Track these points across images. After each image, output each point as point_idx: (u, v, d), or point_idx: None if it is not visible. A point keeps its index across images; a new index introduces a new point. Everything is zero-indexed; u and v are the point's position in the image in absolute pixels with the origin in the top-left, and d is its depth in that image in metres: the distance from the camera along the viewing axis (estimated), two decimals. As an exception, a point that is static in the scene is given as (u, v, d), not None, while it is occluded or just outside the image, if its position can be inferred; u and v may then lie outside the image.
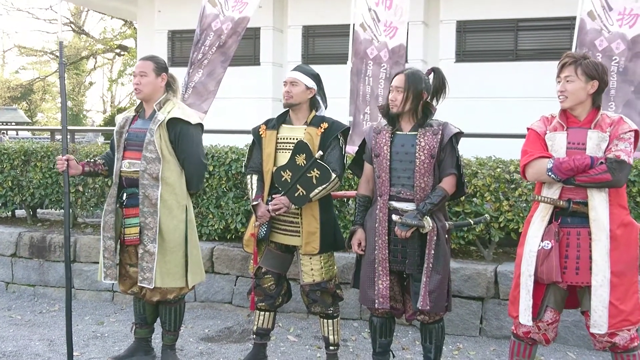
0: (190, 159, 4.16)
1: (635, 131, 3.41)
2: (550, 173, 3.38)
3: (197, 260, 4.33)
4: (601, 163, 3.31)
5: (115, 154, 4.22)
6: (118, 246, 4.24)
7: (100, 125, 28.27)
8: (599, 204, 3.35)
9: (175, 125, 4.10)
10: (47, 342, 4.95)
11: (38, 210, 7.54)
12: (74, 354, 4.43)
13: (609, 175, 3.28)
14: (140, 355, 4.45)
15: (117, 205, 4.18)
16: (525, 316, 3.46)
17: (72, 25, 26.65)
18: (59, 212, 7.49)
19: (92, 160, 4.39)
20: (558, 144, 3.45)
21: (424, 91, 3.78)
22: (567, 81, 3.41)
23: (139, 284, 4.15)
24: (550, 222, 3.46)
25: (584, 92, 3.41)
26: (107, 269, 4.19)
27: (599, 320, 3.33)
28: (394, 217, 3.68)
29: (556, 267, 3.36)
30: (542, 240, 3.44)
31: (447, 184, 3.76)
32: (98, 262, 6.05)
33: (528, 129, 3.64)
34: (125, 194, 4.18)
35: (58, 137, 11.09)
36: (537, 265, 3.42)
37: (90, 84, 35.95)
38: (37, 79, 32.07)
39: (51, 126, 29.75)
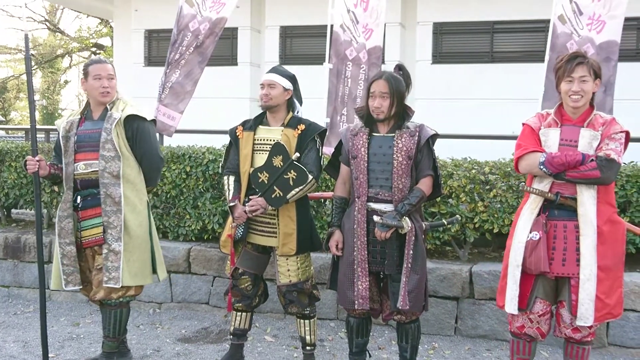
0: (149, 154, 4.19)
1: (627, 132, 3.52)
2: (542, 166, 3.48)
3: (161, 255, 4.37)
4: (592, 160, 3.40)
5: (64, 159, 4.15)
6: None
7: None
8: (587, 200, 3.46)
9: (132, 122, 4.13)
10: (21, 344, 4.91)
11: (12, 210, 7.46)
12: (49, 355, 4.41)
13: (598, 172, 3.39)
14: (116, 357, 4.40)
15: (72, 210, 4.14)
16: (511, 305, 3.56)
17: (47, 23, 26.33)
18: (34, 212, 7.39)
19: (54, 163, 4.31)
20: (551, 139, 3.55)
21: (405, 92, 3.82)
22: (583, 81, 3.48)
23: (104, 285, 4.07)
24: (538, 214, 3.56)
25: (592, 91, 3.54)
26: (68, 275, 4.14)
27: (585, 313, 3.44)
28: (375, 217, 3.71)
29: (544, 257, 3.46)
30: (530, 232, 3.53)
31: (424, 185, 3.80)
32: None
33: (523, 124, 3.73)
34: (79, 197, 4.13)
35: (38, 136, 10.97)
36: (525, 256, 3.52)
37: (66, 82, 35.53)
38: (11, 77, 31.64)
39: (25, 125, 29.43)
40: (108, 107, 4.16)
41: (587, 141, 3.48)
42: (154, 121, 4.33)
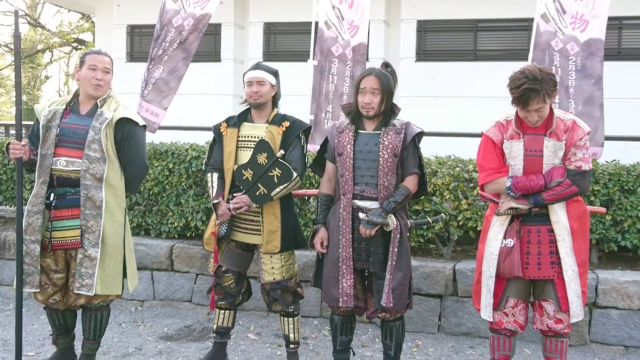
0: (136, 160, 4.00)
1: (588, 133, 3.57)
2: (509, 191, 3.55)
3: (134, 264, 4.16)
4: (558, 183, 3.45)
5: (40, 149, 3.88)
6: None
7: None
8: (557, 206, 3.54)
9: (123, 125, 3.92)
10: (1, 342, 4.85)
11: (-8, 207, 7.37)
12: (30, 354, 4.36)
13: (575, 188, 3.48)
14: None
15: (44, 207, 3.86)
16: (486, 312, 3.69)
17: (28, 18, 26.04)
18: (14, 209, 7.34)
19: (32, 149, 3.96)
20: (515, 151, 3.59)
21: (393, 90, 3.82)
22: (538, 111, 3.45)
23: (75, 291, 3.84)
24: (511, 221, 3.60)
25: (549, 108, 3.54)
26: (28, 275, 3.84)
27: (576, 310, 3.55)
28: (361, 215, 3.70)
29: (518, 263, 3.54)
30: (504, 238, 3.59)
31: (410, 183, 3.81)
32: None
33: (483, 134, 3.72)
34: (52, 194, 3.86)
35: (13, 132, 10.85)
36: (499, 262, 3.59)
37: (46, 77, 35.13)
38: (-11, 72, 31.28)
39: (5, 121, 29.11)
40: (98, 103, 3.94)
41: (551, 151, 3.52)
42: (145, 127, 4.14)
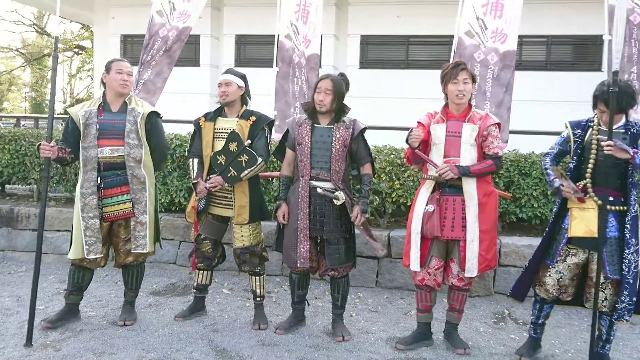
0: (161, 145, 4.10)
1: (498, 123, 3.71)
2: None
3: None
4: (489, 159, 3.62)
5: (82, 143, 3.88)
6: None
7: (60, 114, 26.73)
8: (470, 181, 3.63)
9: (151, 117, 4.02)
10: (15, 298, 4.73)
11: (6, 185, 7.14)
12: (40, 307, 4.26)
13: (494, 167, 3.66)
14: (70, 318, 4.16)
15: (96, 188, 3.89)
16: (414, 264, 3.70)
17: (35, 27, 25.11)
18: (24, 187, 7.13)
19: (62, 147, 3.93)
20: (439, 133, 3.68)
21: (344, 93, 3.84)
22: (465, 82, 3.61)
23: (133, 251, 4.01)
24: (433, 191, 3.68)
25: (471, 91, 3.68)
26: (90, 245, 3.90)
27: (471, 267, 3.64)
28: (319, 189, 3.79)
29: (437, 225, 3.62)
30: (427, 205, 3.64)
31: (368, 169, 3.92)
32: (60, 231, 5.83)
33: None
34: (99, 177, 3.90)
35: (23, 122, 10.51)
36: (423, 224, 3.65)
37: (52, 77, 33.97)
38: (3, 72, 30.09)
39: (17, 114, 28.13)
40: (126, 101, 3.98)
41: (468, 133, 3.64)
42: (161, 117, 4.17)
